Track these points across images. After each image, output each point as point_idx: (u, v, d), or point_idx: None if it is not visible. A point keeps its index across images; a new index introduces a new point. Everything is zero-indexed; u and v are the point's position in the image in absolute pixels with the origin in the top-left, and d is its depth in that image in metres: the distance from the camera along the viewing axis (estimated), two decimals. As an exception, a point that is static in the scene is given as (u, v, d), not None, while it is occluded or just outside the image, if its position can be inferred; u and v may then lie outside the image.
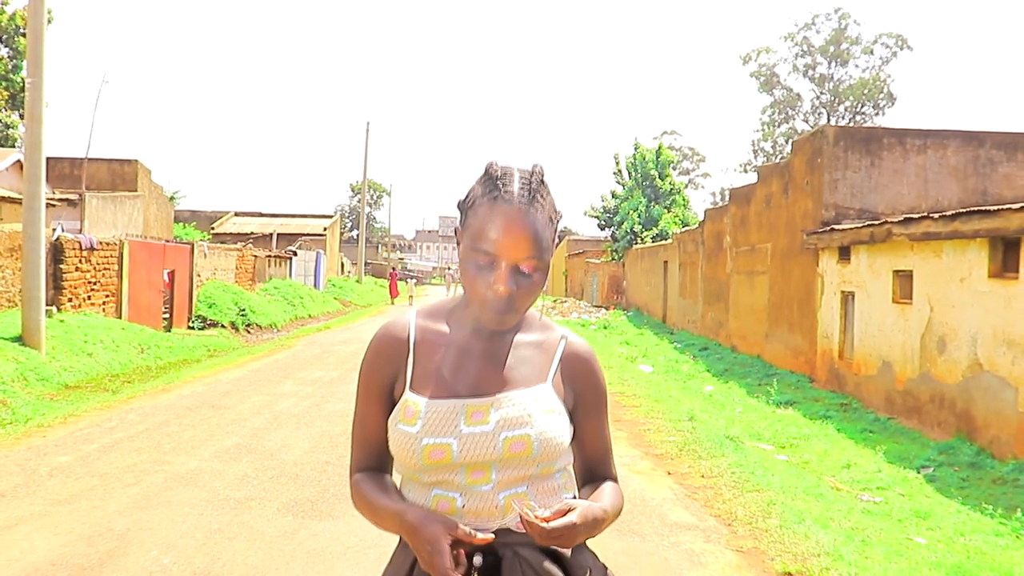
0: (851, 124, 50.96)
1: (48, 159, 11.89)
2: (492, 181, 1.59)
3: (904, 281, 10.42)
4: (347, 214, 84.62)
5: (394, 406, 1.66)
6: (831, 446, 9.05)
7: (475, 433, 1.58)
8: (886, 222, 10.46)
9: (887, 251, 10.76)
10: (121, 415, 8.64)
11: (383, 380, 1.68)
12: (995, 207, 8.28)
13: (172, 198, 33.81)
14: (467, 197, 1.65)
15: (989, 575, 5.08)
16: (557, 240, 1.66)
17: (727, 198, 19.13)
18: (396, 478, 1.71)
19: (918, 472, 7.99)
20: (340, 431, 8.08)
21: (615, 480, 1.78)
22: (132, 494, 5.68)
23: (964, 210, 8.83)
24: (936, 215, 9.24)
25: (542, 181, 1.62)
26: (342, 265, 45.39)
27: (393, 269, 45.92)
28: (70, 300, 13.68)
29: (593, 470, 1.77)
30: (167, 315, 17.51)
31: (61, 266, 13.38)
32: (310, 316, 26.31)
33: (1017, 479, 7.56)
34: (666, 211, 34.60)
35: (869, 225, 10.98)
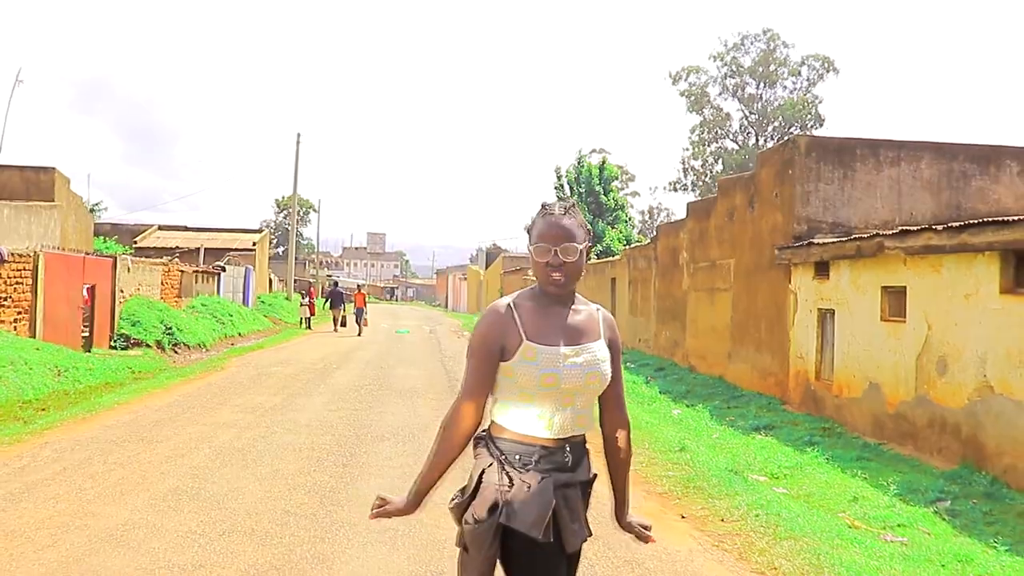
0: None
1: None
2: (543, 208, 2.59)
3: (895, 298, 9.81)
4: (273, 230, 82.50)
5: (499, 359, 2.49)
6: (830, 477, 8.32)
7: (571, 368, 2.47)
8: (877, 234, 9.83)
9: (874, 266, 10.14)
10: (34, 451, 7.42)
11: (497, 339, 2.49)
12: (1011, 217, 7.68)
13: (93, 210, 31.99)
14: (531, 223, 2.61)
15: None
16: (588, 249, 2.62)
17: (687, 212, 18.45)
18: (494, 406, 2.55)
19: (934, 505, 7.30)
20: (296, 470, 6.99)
21: (626, 416, 2.72)
22: (47, 560, 4.54)
23: (974, 221, 8.22)
24: (939, 227, 8.61)
25: (573, 206, 2.61)
26: (270, 282, 43.74)
27: (311, 285, 38.23)
28: (-24, 318, 12.28)
29: (619, 397, 2.70)
30: (87, 334, 16.11)
31: (-34, 280, 12.00)
32: (240, 334, 24.90)
33: (1045, 513, 6.91)
34: (610, 227, 33.96)
35: (856, 239, 10.34)
